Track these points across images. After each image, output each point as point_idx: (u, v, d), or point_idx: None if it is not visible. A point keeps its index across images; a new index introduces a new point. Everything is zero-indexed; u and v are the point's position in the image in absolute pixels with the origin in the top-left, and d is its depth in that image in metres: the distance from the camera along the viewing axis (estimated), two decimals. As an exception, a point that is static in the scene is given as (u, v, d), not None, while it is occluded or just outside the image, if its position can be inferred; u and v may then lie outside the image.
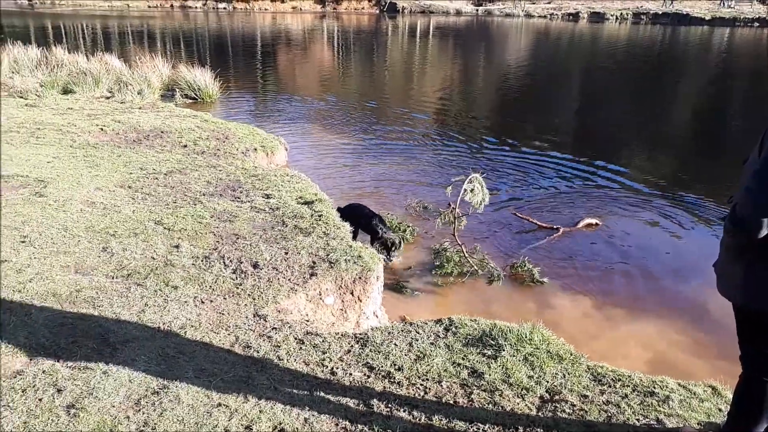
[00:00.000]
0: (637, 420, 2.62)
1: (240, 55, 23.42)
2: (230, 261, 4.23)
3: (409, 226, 6.20)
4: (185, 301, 3.63)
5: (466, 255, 5.38)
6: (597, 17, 46.03)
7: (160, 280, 3.89)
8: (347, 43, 29.90)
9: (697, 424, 2.57)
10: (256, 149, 7.63)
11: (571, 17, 46.91)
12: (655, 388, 2.87)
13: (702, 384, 2.93)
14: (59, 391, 2.67)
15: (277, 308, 3.65)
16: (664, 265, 5.70)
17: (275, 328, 3.39)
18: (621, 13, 46.12)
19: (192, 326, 3.36)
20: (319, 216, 5.12)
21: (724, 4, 45.36)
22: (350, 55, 25.24)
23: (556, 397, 2.80)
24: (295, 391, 2.82)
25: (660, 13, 45.32)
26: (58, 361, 2.90)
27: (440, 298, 5.10)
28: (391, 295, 5.04)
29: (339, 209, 5.64)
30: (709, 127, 12.15)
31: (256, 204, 5.40)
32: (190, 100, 11.96)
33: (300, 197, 5.64)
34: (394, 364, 3.08)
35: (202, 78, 12.14)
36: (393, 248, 5.51)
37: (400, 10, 49.95)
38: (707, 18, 42.62)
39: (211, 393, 2.74)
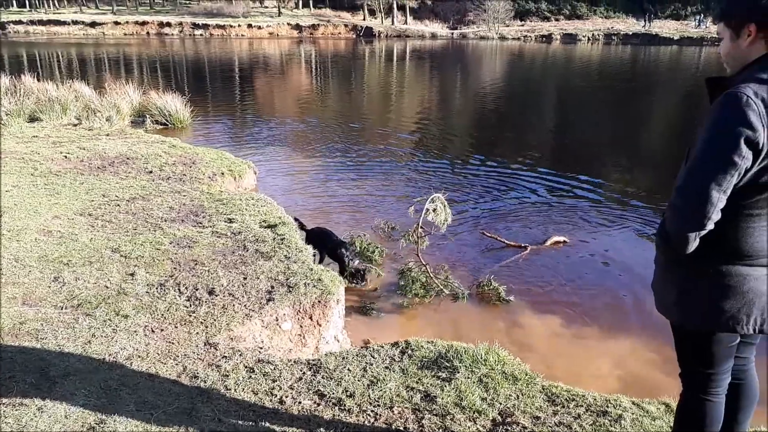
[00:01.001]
0: (588, 441, 2.57)
1: (218, 80, 23.42)
2: (186, 288, 4.13)
3: (377, 247, 6.14)
4: (135, 331, 3.53)
5: (431, 274, 5.33)
6: (569, 38, 46.95)
7: (110, 309, 3.78)
8: (324, 67, 30.08)
9: (648, 443, 2.53)
10: (223, 173, 7.55)
11: (544, 39, 47.79)
12: (608, 407, 2.82)
13: (656, 402, 2.89)
14: (-13, 430, 2.55)
15: (230, 336, 3.56)
16: (634, 281, 5.67)
17: (225, 357, 3.30)
18: (593, 34, 47.11)
19: (139, 356, 3.26)
20: (282, 239, 5.05)
21: (699, 24, 46.53)
22: (328, 78, 25.38)
23: (508, 419, 2.74)
24: (240, 422, 2.72)
25: (630, 33, 46.36)
26: (-9, 398, 2.78)
27: (405, 319, 5.03)
28: (356, 318, 4.97)
29: (305, 229, 5.59)
30: (681, 144, 12.33)
31: (218, 229, 5.31)
32: (161, 126, 11.87)
33: (264, 221, 5.57)
34: (346, 391, 3.00)
35: (173, 103, 12.06)
36: (361, 277, 5.46)
37: (377, 35, 50.49)
38: (676, 38, 43.69)
39: (151, 427, 2.64)
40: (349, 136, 12.44)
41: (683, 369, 2.05)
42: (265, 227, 5.36)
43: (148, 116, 12.00)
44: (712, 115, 1.70)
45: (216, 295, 4.01)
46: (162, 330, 3.57)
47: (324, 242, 5.59)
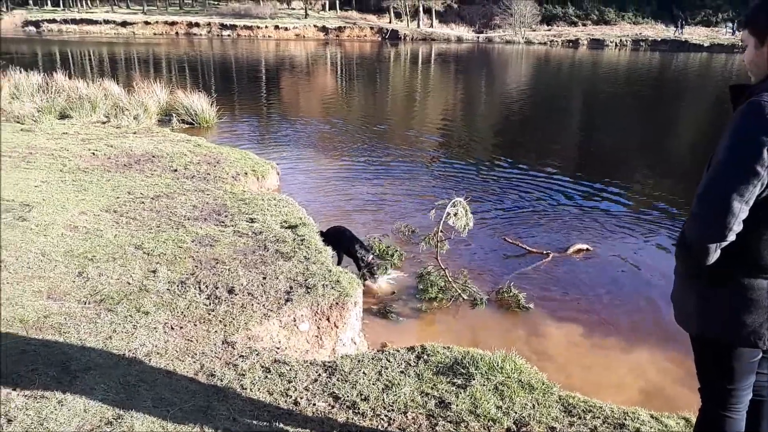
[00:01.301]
0: (604, 454, 2.53)
1: (244, 80, 23.66)
2: (206, 286, 4.18)
3: (397, 250, 6.14)
4: (154, 328, 3.57)
5: (450, 279, 5.31)
6: (596, 44, 46.38)
7: (132, 305, 3.84)
8: (350, 69, 30.20)
9: (666, 458, 2.48)
10: (246, 173, 7.63)
11: (570, 44, 47.30)
12: (626, 420, 2.78)
13: (675, 416, 2.84)
14: (9, 421, 2.60)
15: (248, 335, 3.59)
16: (657, 292, 5.56)
17: (242, 356, 3.32)
18: (620, 40, 46.44)
19: (158, 353, 3.30)
20: (302, 240, 5.08)
21: (733, 32, 45.59)
22: (353, 80, 25.47)
23: (523, 429, 2.71)
24: (254, 422, 2.74)
25: (659, 39, 45.64)
26: (14, 390, 2.84)
27: (423, 323, 5.02)
28: (374, 320, 4.97)
29: (322, 233, 5.60)
30: (709, 152, 12.10)
31: (240, 228, 5.36)
32: (187, 125, 12.03)
33: (285, 221, 5.61)
34: (361, 394, 3.00)
35: (200, 103, 12.21)
36: (376, 270, 5.46)
37: (402, 38, 50.49)
38: (706, 44, 42.90)
39: (167, 423, 2.67)
40: (372, 138, 12.46)
41: (703, 383, 2.00)
42: (286, 228, 5.40)
43: (174, 115, 12.17)
44: (734, 123, 1.67)
45: (235, 294, 4.05)
46: (181, 327, 3.61)
47: (340, 241, 5.61)
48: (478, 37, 51.12)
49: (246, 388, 3.02)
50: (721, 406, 1.93)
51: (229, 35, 49.26)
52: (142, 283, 4.17)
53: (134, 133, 9.92)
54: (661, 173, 10.38)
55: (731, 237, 1.67)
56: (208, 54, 35.02)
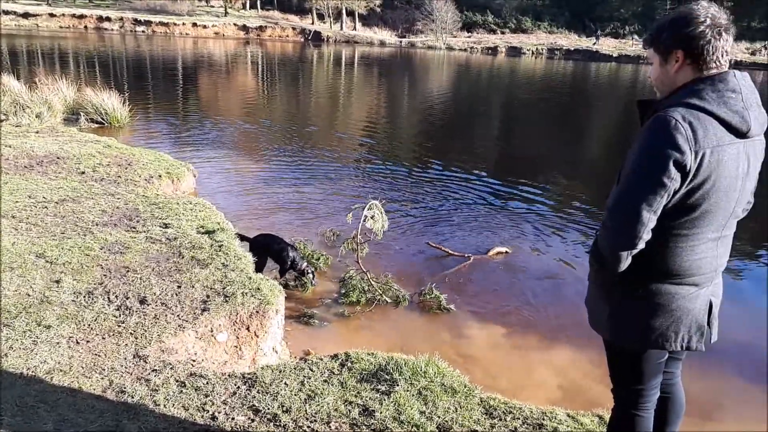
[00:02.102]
0: (524, 455, 2.58)
1: (160, 78, 22.69)
2: (115, 296, 3.93)
3: (322, 255, 6.06)
4: (57, 343, 3.32)
5: (372, 282, 5.30)
6: (514, 51, 48.18)
7: (32, 319, 3.55)
8: (271, 69, 29.69)
9: (582, 456, 2.56)
10: (160, 176, 7.28)
11: (489, 51, 48.86)
12: (544, 419, 2.85)
13: (590, 414, 2.95)
14: None
15: (162, 348, 3.40)
16: (573, 294, 5.77)
17: (155, 370, 3.14)
18: (537, 48, 48.49)
19: (61, 370, 3.06)
20: (220, 246, 4.90)
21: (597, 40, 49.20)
22: (274, 81, 25.04)
23: (446, 433, 2.72)
24: (168, 440, 2.59)
25: (572, 49, 48.01)
26: None
27: (347, 329, 4.96)
28: (296, 328, 4.87)
29: (249, 240, 5.44)
30: (619, 156, 12.80)
31: (153, 234, 5.10)
32: (97, 125, 11.37)
33: (201, 226, 5.39)
34: (282, 406, 2.91)
35: (110, 101, 11.58)
36: (304, 275, 5.38)
37: (325, 39, 50.29)
38: (614, 55, 45.54)
39: (70, 447, 2.47)
40: (295, 140, 12.29)
41: (615, 385, 2.09)
42: (203, 233, 5.19)
43: (82, 114, 11.48)
44: (642, 137, 1.74)
45: (148, 305, 3.84)
46: (88, 341, 3.37)
47: (269, 247, 5.47)
48: (400, 42, 51.76)
49: (159, 405, 2.86)
50: (632, 406, 2.02)
51: (143, 31, 47.21)
52: (44, 295, 3.87)
53: (36, 132, 9.26)
54: (575, 177, 10.88)
55: (641, 245, 1.75)
56: (121, 50, 33.37)
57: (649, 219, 1.71)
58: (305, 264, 5.44)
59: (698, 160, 1.67)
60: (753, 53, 43.17)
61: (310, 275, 5.41)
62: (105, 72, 22.35)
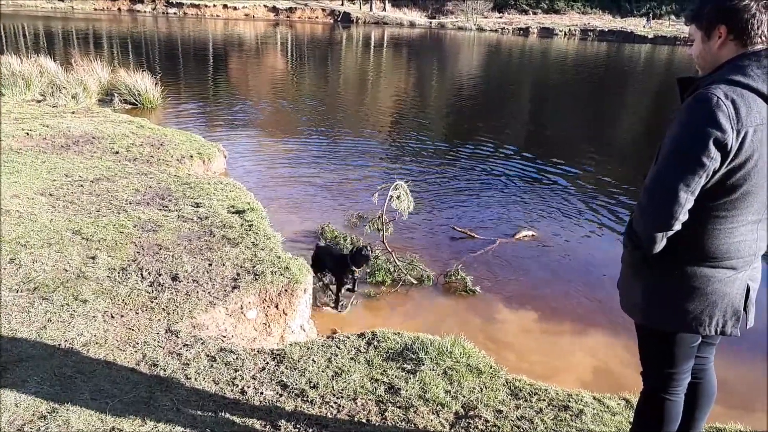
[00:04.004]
0: (549, 435, 2.58)
1: (191, 60, 22.92)
2: (148, 273, 4.03)
3: (351, 236, 6.08)
4: (93, 316, 3.42)
5: (397, 262, 5.31)
6: (546, 32, 47.19)
7: (69, 293, 3.66)
8: (301, 51, 29.71)
9: (608, 438, 2.55)
10: (192, 156, 7.39)
11: (521, 32, 47.95)
12: (570, 402, 2.84)
13: (616, 397, 2.93)
14: (-69, 418, 2.44)
15: (193, 323, 3.48)
16: (601, 278, 5.71)
17: (187, 345, 3.22)
18: (569, 29, 47.41)
19: (97, 343, 3.16)
20: (250, 226, 4.97)
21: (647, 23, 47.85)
22: (304, 62, 25.07)
23: (471, 412, 2.74)
24: (199, 412, 2.66)
25: (606, 30, 46.81)
26: (-62, 384, 2.66)
27: (373, 308, 5.00)
28: (324, 306, 4.93)
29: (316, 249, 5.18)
30: (653, 139, 12.53)
31: (184, 213, 5.20)
32: (130, 106, 11.57)
33: (232, 206, 5.47)
34: (310, 382, 2.96)
35: (143, 83, 11.75)
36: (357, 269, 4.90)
37: (354, 20, 50.00)
38: (650, 36, 44.27)
39: (106, 417, 2.56)
40: (322, 122, 12.32)
41: (645, 367, 2.06)
42: (233, 213, 5.27)
43: (116, 95, 11.69)
44: (682, 115, 1.69)
45: (179, 281, 3.92)
46: (122, 316, 3.47)
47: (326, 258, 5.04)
48: (430, 23, 51.16)
49: (190, 378, 2.93)
50: (662, 389, 1.99)
51: (175, 13, 47.63)
52: (80, 270, 3.98)
53: (72, 112, 9.47)
54: (607, 159, 10.67)
55: (677, 226, 1.71)
56: (153, 32, 33.74)
57: (687, 199, 1.67)
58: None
59: (740, 139, 1.61)
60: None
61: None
62: (138, 54, 22.67)
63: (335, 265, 4.94)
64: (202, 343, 3.26)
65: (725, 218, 1.73)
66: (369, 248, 4.94)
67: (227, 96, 15.17)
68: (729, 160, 1.64)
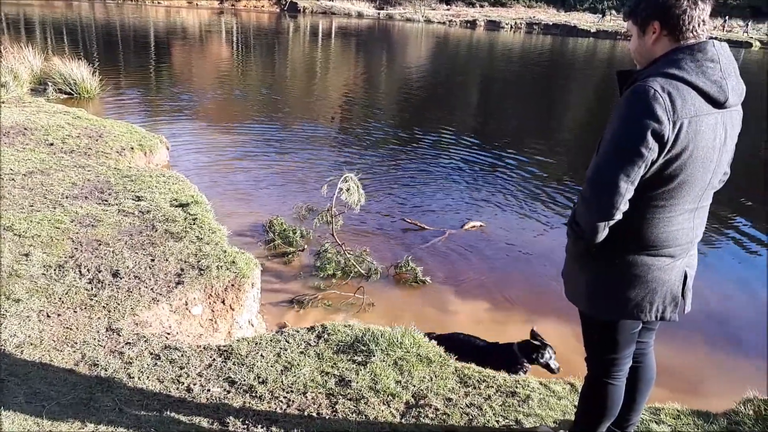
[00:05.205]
0: (497, 422, 2.62)
1: (131, 49, 22.07)
2: (87, 270, 3.86)
3: (301, 229, 6.01)
4: (27, 316, 3.26)
5: (347, 254, 5.29)
6: (493, 25, 47.88)
7: (0, 293, 3.47)
8: (247, 40, 29.10)
9: (554, 422, 2.62)
10: (132, 148, 7.13)
11: (468, 24, 48.48)
12: (517, 388, 2.90)
13: (562, 381, 3.00)
14: None
15: (135, 321, 3.36)
16: (549, 267, 5.83)
17: (129, 343, 3.11)
18: (515, 22, 48.26)
19: (31, 344, 3.01)
20: (194, 219, 4.84)
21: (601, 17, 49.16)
22: (250, 52, 24.57)
23: (421, 401, 2.76)
24: (143, 412, 2.58)
25: (551, 24, 47.89)
26: None
27: (323, 302, 4.96)
28: (273, 301, 4.86)
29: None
30: (596, 130, 12.90)
31: (125, 207, 5.01)
32: (66, 96, 11.05)
33: (175, 199, 5.31)
34: (258, 377, 2.91)
35: (79, 72, 11.24)
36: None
37: (301, 10, 49.31)
38: (592, 30, 45.54)
39: (42, 420, 2.44)
40: (269, 113, 12.11)
41: (588, 354, 2.12)
42: (177, 206, 5.11)
43: (50, 84, 11.14)
44: (621, 107, 1.74)
45: (120, 278, 3.78)
46: (59, 315, 3.32)
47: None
48: (378, 14, 51.05)
49: (133, 377, 2.84)
50: (605, 374, 2.05)
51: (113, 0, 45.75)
52: (13, 268, 3.78)
53: (2, 102, 8.96)
54: (553, 149, 10.94)
55: (618, 216, 1.75)
56: (89, 19, 32.34)
57: (627, 189, 1.71)
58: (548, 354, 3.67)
59: (676, 130, 1.66)
60: (730, 30, 43.37)
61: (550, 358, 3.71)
62: (74, 41, 21.67)
63: (495, 360, 3.48)
64: (146, 340, 3.15)
65: (663, 207, 1.79)
66: (541, 340, 3.70)
67: (171, 86, 14.71)
68: (666, 150, 1.69)
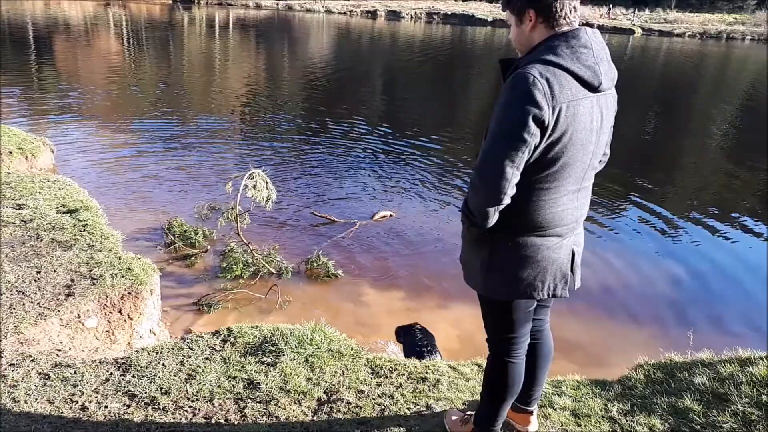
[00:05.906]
0: (408, 409, 2.65)
1: (7, 45, 20.29)
2: (-39, 288, 3.51)
3: (204, 230, 5.78)
4: None
5: (254, 254, 5.16)
6: (393, 15, 48.31)
7: None
8: (138, 33, 27.59)
9: (462, 404, 2.68)
10: (11, 152, 6.55)
11: (369, 14, 48.63)
12: (427, 373, 2.94)
13: (470, 363, 3.08)
14: None
15: (20, 339, 3.10)
16: (457, 252, 5.94)
17: (13, 365, 2.86)
18: (415, 12, 48.96)
19: None
20: (84, 226, 4.52)
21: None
22: (143, 46, 23.30)
23: (333, 396, 2.73)
24: (31, 438, 2.37)
25: (450, 13, 48.99)
26: None
27: (230, 304, 4.81)
28: (176, 307, 4.66)
29: None
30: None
31: (5, 216, 4.60)
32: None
33: (62, 205, 4.94)
34: (161, 388, 2.76)
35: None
36: None
37: (196, 1, 47.38)
38: (489, 19, 47.05)
39: None
40: (166, 110, 11.56)
41: (489, 335, 2.18)
42: (64, 212, 4.76)
43: None
44: (503, 95, 1.78)
45: (1, 295, 3.46)
46: (-72, 341, 2.99)
47: None
48: (277, 4, 50.06)
49: (19, 401, 2.60)
50: (505, 354, 2.12)
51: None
52: None
53: None
54: (455, 136, 11.22)
55: (506, 200, 1.80)
56: (-43, 11, 29.41)
57: (513, 174, 1.76)
58: None
59: (555, 114, 1.73)
60: (614, 18, 46.00)
61: None
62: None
63: None
64: (32, 360, 2.91)
65: (548, 189, 1.86)
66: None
67: (55, 84, 13.68)
68: (548, 134, 1.75)
